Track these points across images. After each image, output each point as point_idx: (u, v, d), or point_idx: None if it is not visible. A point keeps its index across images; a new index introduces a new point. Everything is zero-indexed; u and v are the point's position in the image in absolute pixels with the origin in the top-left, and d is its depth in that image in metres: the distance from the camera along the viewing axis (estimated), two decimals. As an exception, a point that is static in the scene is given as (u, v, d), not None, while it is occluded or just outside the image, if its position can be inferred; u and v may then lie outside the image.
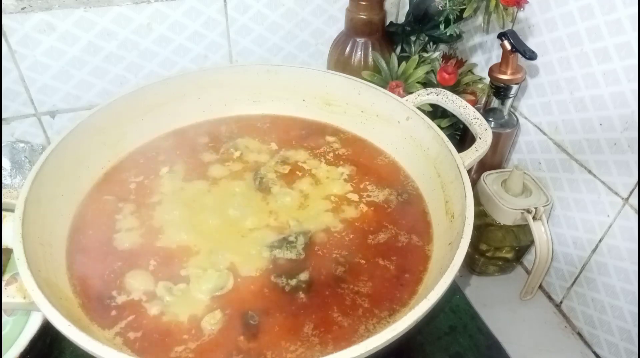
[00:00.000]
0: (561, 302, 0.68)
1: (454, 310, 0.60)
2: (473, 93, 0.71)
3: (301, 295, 0.45)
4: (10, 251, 0.41)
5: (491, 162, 0.70)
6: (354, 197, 0.56)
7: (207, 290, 0.45)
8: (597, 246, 0.61)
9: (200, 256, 0.48)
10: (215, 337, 0.42)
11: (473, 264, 0.71)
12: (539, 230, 0.62)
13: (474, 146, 0.53)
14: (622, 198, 0.56)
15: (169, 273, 0.46)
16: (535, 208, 0.61)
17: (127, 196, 0.54)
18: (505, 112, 0.68)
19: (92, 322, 0.42)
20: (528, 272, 0.70)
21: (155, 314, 0.43)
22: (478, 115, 0.57)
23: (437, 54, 0.72)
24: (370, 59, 0.71)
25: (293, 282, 0.46)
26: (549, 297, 0.69)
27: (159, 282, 0.45)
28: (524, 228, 0.65)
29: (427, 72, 0.69)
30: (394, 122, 0.60)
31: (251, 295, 0.45)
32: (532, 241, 0.63)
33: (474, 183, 0.66)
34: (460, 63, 0.71)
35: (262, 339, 0.42)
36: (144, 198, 0.54)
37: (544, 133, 0.66)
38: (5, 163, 0.65)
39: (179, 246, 0.49)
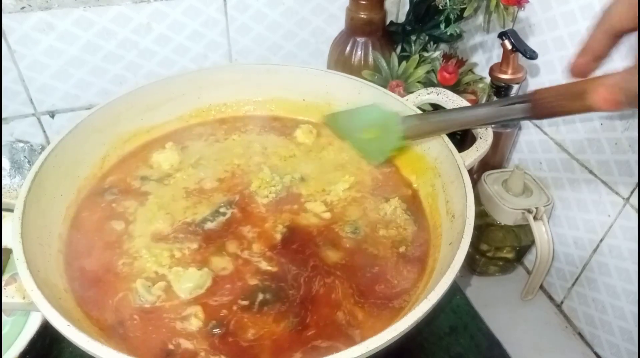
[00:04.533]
0: (562, 302, 0.68)
1: (455, 310, 0.60)
2: (474, 93, 0.71)
3: (291, 289, 0.45)
4: (9, 251, 0.40)
5: (492, 162, 0.70)
6: (353, 196, 0.55)
7: (187, 289, 0.44)
8: (598, 246, 0.60)
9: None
10: (197, 333, 0.42)
11: (474, 264, 0.71)
12: (539, 230, 0.62)
13: (474, 145, 0.53)
14: (623, 198, 0.56)
15: (163, 273, 0.46)
16: (536, 208, 0.61)
17: (126, 196, 0.54)
18: (506, 112, 0.67)
19: (91, 322, 0.42)
20: (529, 272, 0.70)
21: (150, 312, 0.43)
22: (479, 115, 0.57)
23: (437, 53, 0.72)
24: (370, 59, 0.71)
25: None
26: (550, 297, 0.69)
27: (143, 279, 0.45)
28: (525, 228, 0.64)
29: (428, 72, 0.69)
30: (394, 122, 0.60)
31: (231, 290, 0.45)
32: (533, 241, 0.63)
33: (475, 182, 0.66)
34: (460, 62, 0.71)
35: (250, 333, 0.42)
36: (144, 198, 0.54)
37: (545, 133, 0.65)
38: (5, 163, 0.64)
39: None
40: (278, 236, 0.50)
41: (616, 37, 0.34)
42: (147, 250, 0.48)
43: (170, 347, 0.41)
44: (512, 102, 0.42)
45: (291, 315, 0.44)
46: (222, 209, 0.53)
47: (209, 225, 0.51)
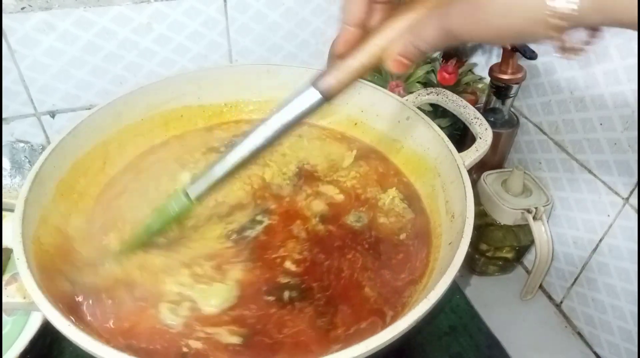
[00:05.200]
0: (561, 302, 0.68)
1: (454, 310, 0.60)
2: (473, 93, 0.71)
3: (296, 293, 0.45)
4: (10, 251, 0.40)
5: (491, 162, 0.70)
6: (353, 196, 0.56)
7: (215, 305, 0.43)
8: (597, 246, 0.61)
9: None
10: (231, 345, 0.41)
11: (473, 264, 0.71)
12: (539, 230, 0.62)
13: (474, 145, 0.53)
14: (623, 198, 0.56)
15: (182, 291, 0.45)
16: (536, 208, 0.61)
17: (127, 196, 0.54)
18: (506, 112, 0.68)
19: (92, 321, 0.42)
20: (528, 272, 0.70)
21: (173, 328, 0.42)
22: (478, 115, 0.57)
23: (437, 53, 0.72)
24: (370, 59, 0.71)
25: (291, 294, 0.45)
26: (550, 297, 0.69)
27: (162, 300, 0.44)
28: (525, 228, 0.65)
29: (427, 72, 0.69)
30: (394, 122, 0.60)
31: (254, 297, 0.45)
32: (533, 241, 0.63)
33: (474, 182, 0.66)
34: (460, 63, 0.71)
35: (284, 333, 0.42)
36: (144, 198, 0.54)
37: (545, 133, 0.66)
38: (5, 163, 0.64)
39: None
40: (306, 232, 0.50)
41: (371, 3, 0.36)
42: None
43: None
44: (304, 105, 0.42)
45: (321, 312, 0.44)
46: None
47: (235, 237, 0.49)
